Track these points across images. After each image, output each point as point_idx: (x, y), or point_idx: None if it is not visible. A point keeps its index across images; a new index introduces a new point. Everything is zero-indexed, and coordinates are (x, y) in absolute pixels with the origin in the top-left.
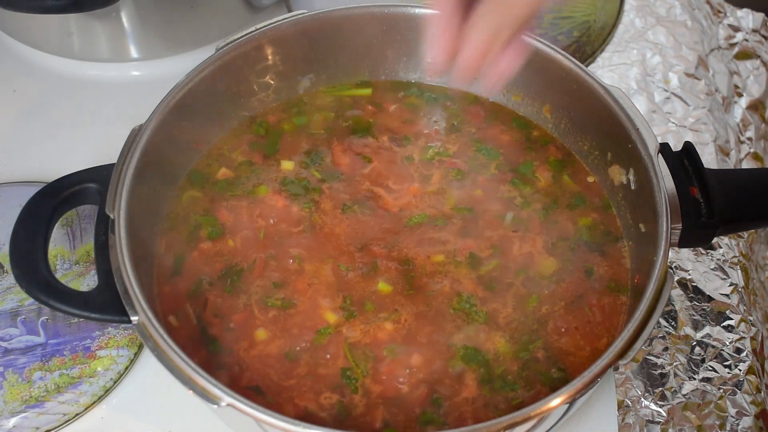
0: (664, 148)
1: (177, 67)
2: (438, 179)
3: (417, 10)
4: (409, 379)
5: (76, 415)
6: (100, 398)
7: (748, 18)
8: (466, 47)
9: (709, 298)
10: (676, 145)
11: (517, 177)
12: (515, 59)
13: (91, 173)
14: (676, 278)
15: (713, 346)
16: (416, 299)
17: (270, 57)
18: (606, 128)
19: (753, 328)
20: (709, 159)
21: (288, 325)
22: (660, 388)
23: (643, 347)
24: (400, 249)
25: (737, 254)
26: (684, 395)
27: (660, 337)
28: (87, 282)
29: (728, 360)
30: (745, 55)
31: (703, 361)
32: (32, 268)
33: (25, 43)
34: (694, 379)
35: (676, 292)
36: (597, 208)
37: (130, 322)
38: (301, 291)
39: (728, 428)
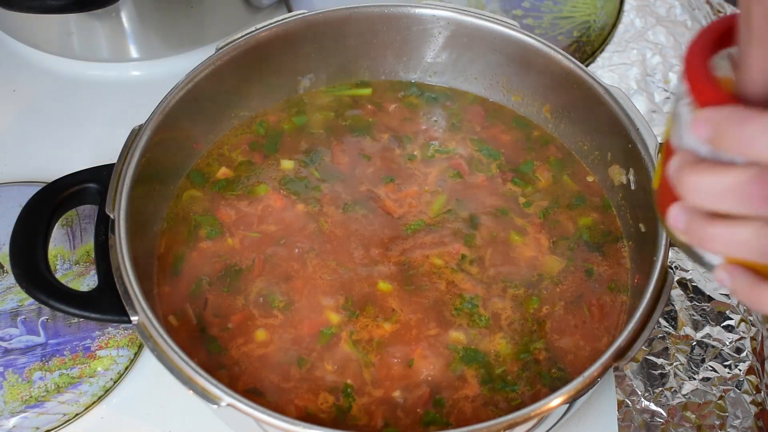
0: None
1: (177, 67)
2: (438, 179)
3: (417, 10)
4: (411, 380)
5: (76, 415)
6: (100, 398)
7: None
8: None
9: (709, 298)
10: None
11: (518, 177)
12: None
13: (91, 173)
14: (676, 278)
15: (713, 346)
16: (417, 300)
17: (270, 57)
18: (606, 128)
19: (753, 328)
20: None
21: (288, 325)
22: (660, 388)
23: (643, 347)
24: (401, 250)
25: None
26: (684, 395)
27: (660, 337)
28: (87, 282)
29: (728, 360)
30: None
31: (703, 361)
32: (32, 268)
33: (25, 43)
34: (694, 379)
35: (676, 292)
36: (597, 207)
37: (130, 322)
38: (301, 291)
39: (728, 428)
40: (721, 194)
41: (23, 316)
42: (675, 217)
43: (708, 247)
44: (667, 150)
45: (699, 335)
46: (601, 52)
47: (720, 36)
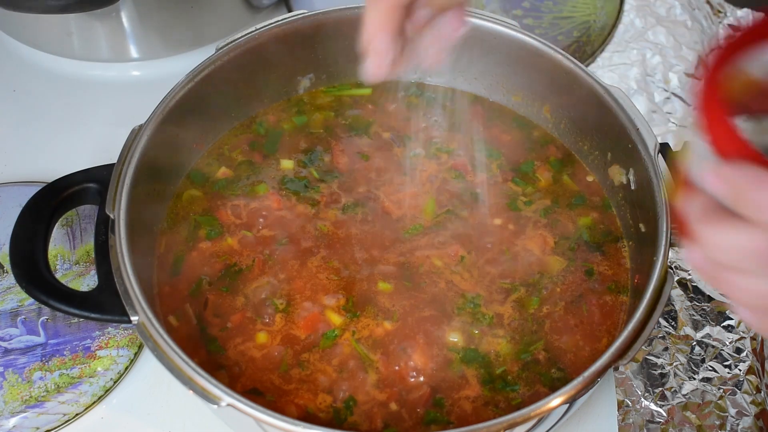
0: (663, 148)
1: (177, 67)
2: (438, 179)
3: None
4: (411, 379)
5: (76, 415)
6: (100, 398)
7: (748, 18)
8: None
9: (709, 298)
10: (676, 145)
11: (518, 177)
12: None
13: (91, 173)
14: (676, 278)
15: (713, 346)
16: (418, 300)
17: (270, 57)
18: (606, 128)
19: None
20: None
21: (288, 325)
22: (660, 388)
23: (643, 347)
24: (400, 250)
25: None
26: (684, 395)
27: (660, 337)
28: (87, 282)
29: (728, 360)
30: None
31: (703, 361)
32: (32, 268)
33: (25, 43)
34: (694, 379)
35: (676, 292)
36: (597, 207)
37: (130, 322)
38: (301, 290)
39: (728, 428)
40: (736, 252)
41: (23, 316)
42: (693, 258)
43: (724, 293)
44: (686, 178)
45: (699, 335)
46: (601, 52)
47: (734, 51)
